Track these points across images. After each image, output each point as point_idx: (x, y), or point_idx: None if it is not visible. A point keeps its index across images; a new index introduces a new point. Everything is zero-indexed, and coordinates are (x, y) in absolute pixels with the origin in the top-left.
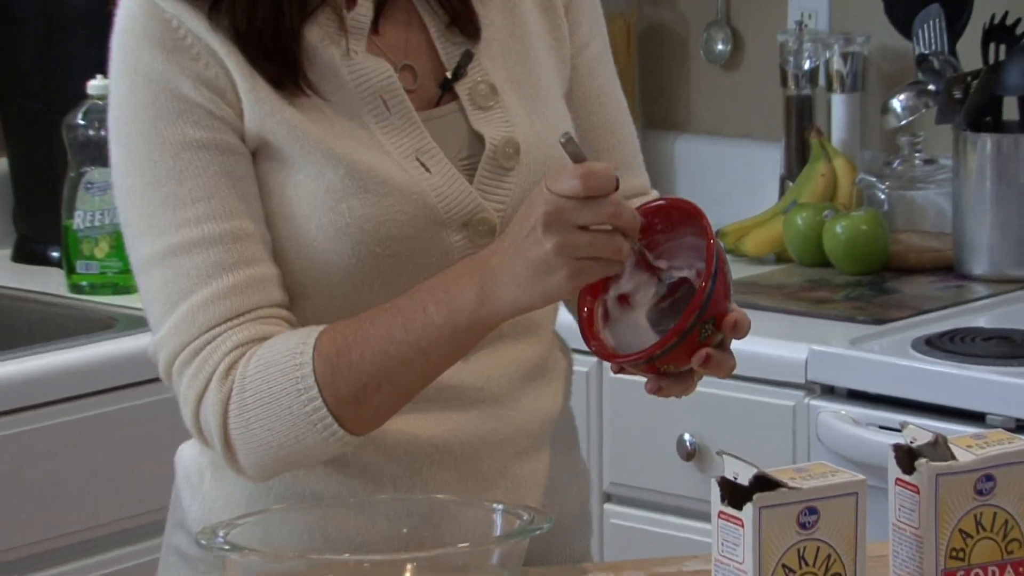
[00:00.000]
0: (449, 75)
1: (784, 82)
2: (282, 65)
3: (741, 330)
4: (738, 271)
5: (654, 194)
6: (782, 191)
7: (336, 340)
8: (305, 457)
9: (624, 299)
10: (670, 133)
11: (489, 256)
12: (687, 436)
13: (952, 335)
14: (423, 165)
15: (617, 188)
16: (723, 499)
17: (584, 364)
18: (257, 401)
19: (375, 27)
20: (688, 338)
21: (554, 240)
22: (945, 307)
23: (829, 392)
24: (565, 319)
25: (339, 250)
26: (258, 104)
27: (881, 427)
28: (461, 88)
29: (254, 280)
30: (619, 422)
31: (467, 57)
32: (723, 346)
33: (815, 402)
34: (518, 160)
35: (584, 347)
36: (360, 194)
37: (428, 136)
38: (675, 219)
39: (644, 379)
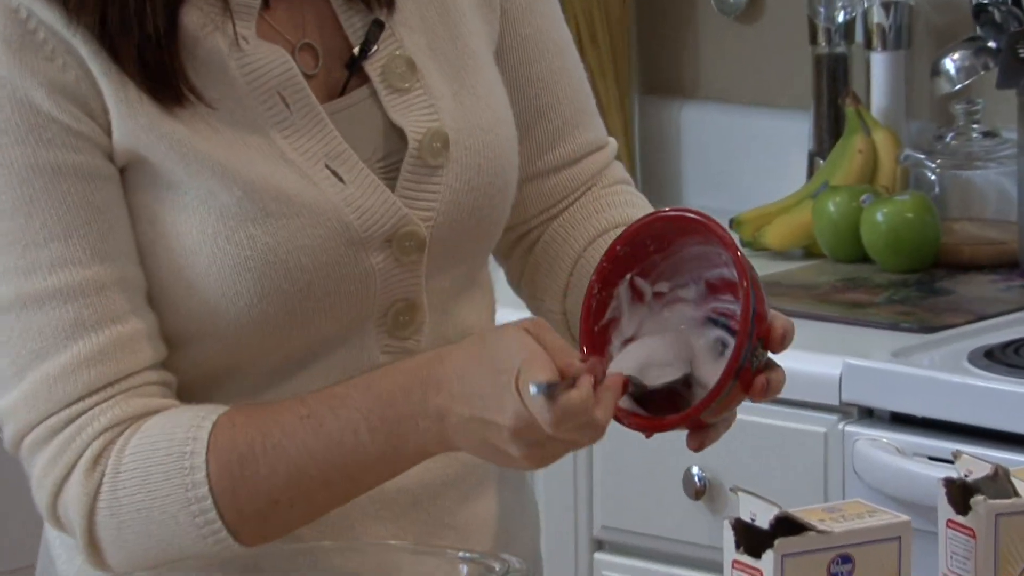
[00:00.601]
0: (356, 52)
1: (813, 38)
2: (158, 66)
3: (789, 339)
4: (757, 268)
5: (612, 144)
6: (810, 171)
7: (238, 444)
8: (187, 560)
9: (630, 340)
10: (674, 100)
11: (435, 387)
12: (695, 470)
13: (1017, 346)
14: (335, 174)
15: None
16: (738, 546)
17: None
18: (134, 504)
19: (266, 3)
20: (742, 375)
21: (523, 450)
22: (1008, 312)
23: (868, 415)
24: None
25: (238, 288)
26: (130, 115)
27: (930, 458)
28: (372, 67)
29: (123, 340)
30: (613, 454)
31: (377, 28)
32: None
33: (851, 427)
34: (447, 155)
35: None
36: (261, 219)
37: (337, 136)
38: (671, 232)
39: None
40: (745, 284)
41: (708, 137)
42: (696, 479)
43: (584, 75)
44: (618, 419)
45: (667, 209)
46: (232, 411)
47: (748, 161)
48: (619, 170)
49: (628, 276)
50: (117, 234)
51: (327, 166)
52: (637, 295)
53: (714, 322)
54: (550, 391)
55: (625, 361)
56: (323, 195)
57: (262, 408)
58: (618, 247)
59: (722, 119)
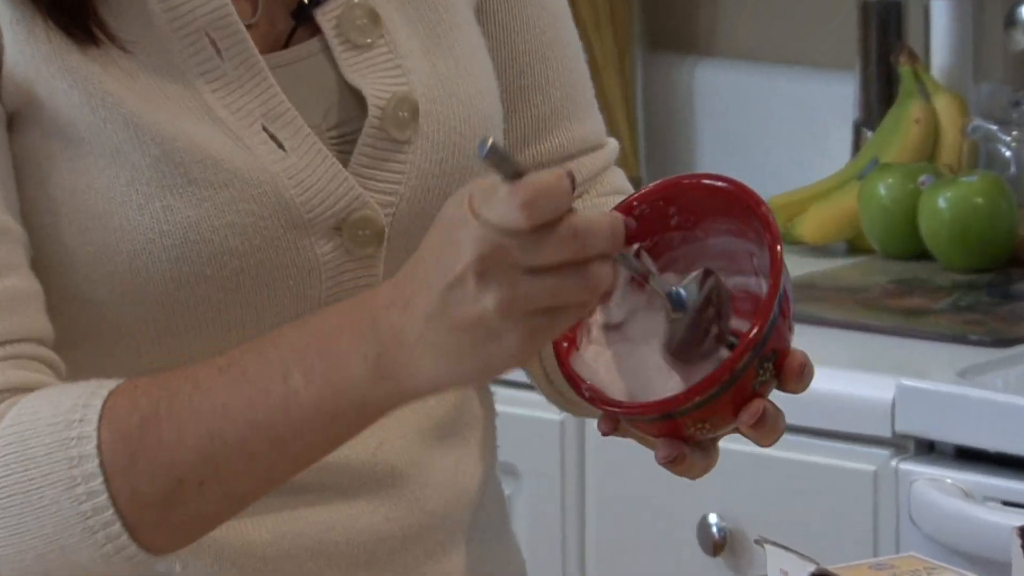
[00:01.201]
0: None
1: None
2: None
3: (807, 378)
4: (789, 266)
5: (612, 145)
6: (856, 145)
7: (139, 406)
8: None
9: (615, 328)
10: (685, 58)
11: (385, 305)
12: (713, 519)
13: None
14: (274, 139)
15: (573, 194)
16: None
17: (555, 410)
18: (6, 489)
19: None
20: (739, 382)
21: (496, 296)
22: None
23: (928, 450)
24: None
25: (151, 271)
26: (29, 42)
27: (1004, 502)
28: (325, 18)
29: (10, 297)
30: (611, 498)
31: None
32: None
33: (907, 465)
34: (415, 128)
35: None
36: (182, 187)
37: (279, 93)
38: (704, 206)
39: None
40: (776, 270)
41: (728, 103)
42: (714, 529)
43: (581, 53)
44: (574, 384)
45: (697, 175)
46: (137, 377)
47: (778, 133)
48: (619, 178)
49: (637, 245)
50: (4, 182)
51: (265, 129)
52: (637, 277)
53: (721, 342)
54: (505, 153)
55: (607, 368)
56: (258, 163)
57: (174, 369)
58: (635, 203)
59: (745, 81)
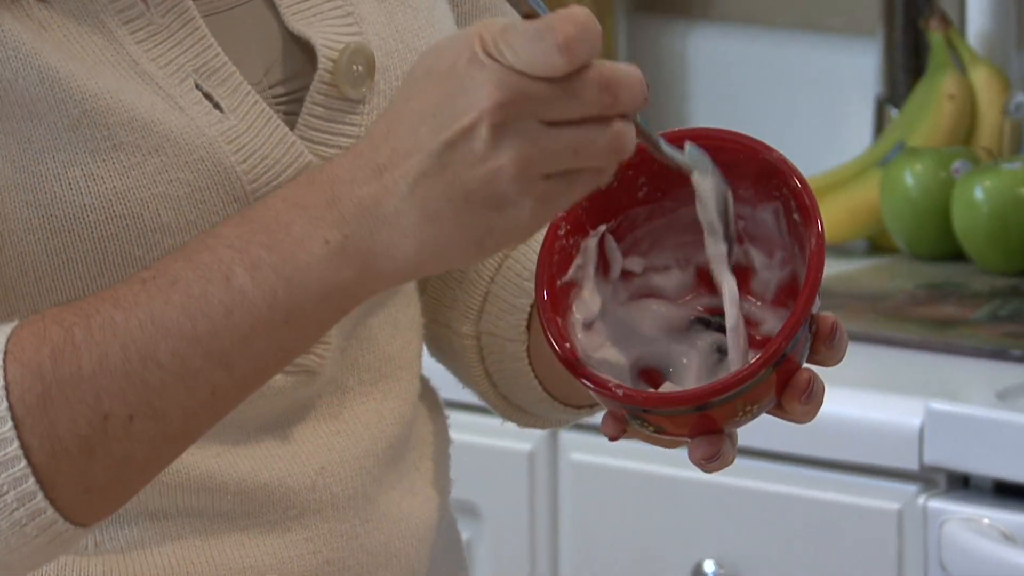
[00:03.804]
0: None
1: None
2: None
3: (841, 340)
4: None
5: None
6: (879, 126)
7: (49, 335)
8: None
9: (590, 327)
10: (677, 22)
11: (346, 181)
12: (709, 566)
13: None
14: (209, 97)
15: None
16: None
17: (522, 438)
18: None
19: None
20: (787, 360)
21: (514, 152)
22: None
23: (961, 485)
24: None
25: (70, 252)
26: None
27: None
28: None
29: None
30: (590, 543)
31: None
32: None
33: (937, 502)
34: (371, 84)
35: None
36: (107, 152)
37: (214, 45)
38: (676, 174)
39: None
40: (818, 225)
41: (727, 76)
42: None
43: None
44: (612, 394)
45: (686, 130)
46: (51, 309)
47: (785, 112)
48: None
49: (603, 228)
50: None
51: (198, 86)
52: (603, 264)
53: (705, 324)
54: None
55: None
56: (192, 125)
57: (96, 294)
58: None
59: (748, 50)
